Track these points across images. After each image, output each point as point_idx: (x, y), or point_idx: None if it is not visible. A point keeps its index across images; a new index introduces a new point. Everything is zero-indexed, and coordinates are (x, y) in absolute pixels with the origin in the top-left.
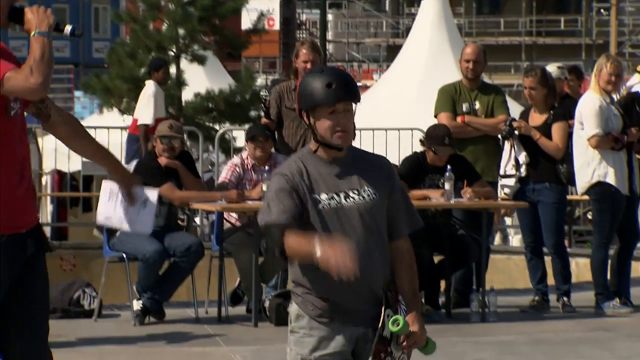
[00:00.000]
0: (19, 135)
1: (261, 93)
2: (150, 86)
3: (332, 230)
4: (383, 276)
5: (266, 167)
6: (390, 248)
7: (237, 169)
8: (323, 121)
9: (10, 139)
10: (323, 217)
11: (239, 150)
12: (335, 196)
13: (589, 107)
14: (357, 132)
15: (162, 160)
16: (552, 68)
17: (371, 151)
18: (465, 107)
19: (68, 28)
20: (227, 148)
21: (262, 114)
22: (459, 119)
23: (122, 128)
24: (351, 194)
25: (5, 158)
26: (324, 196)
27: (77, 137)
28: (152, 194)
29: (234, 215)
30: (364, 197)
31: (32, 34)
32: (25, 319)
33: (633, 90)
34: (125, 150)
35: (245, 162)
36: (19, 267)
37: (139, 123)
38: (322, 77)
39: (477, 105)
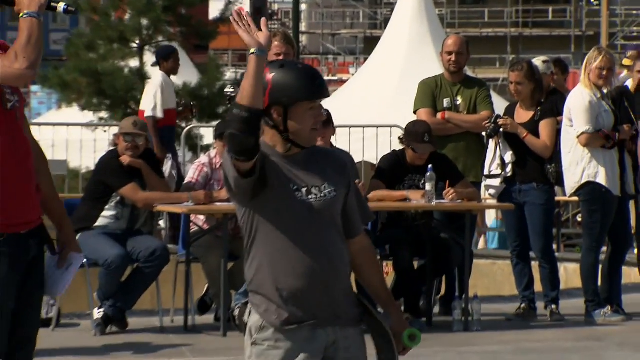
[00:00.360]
0: (19, 130)
1: (225, 89)
2: (157, 76)
3: (298, 224)
4: (347, 274)
5: None
6: (350, 246)
7: (205, 169)
8: (302, 118)
9: (8, 133)
10: (289, 208)
11: (206, 149)
12: (297, 191)
13: (579, 102)
14: (335, 128)
15: (125, 159)
16: (537, 62)
17: (347, 150)
18: (446, 102)
19: (61, 5)
20: (194, 146)
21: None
22: (439, 116)
23: (82, 125)
24: (313, 190)
25: (4, 153)
26: (291, 185)
27: (37, 172)
28: (78, 259)
29: (202, 217)
30: (325, 195)
31: (21, 15)
32: (18, 326)
33: (625, 84)
34: None
35: (214, 161)
36: (22, 269)
37: (146, 115)
38: (303, 71)
39: (459, 101)
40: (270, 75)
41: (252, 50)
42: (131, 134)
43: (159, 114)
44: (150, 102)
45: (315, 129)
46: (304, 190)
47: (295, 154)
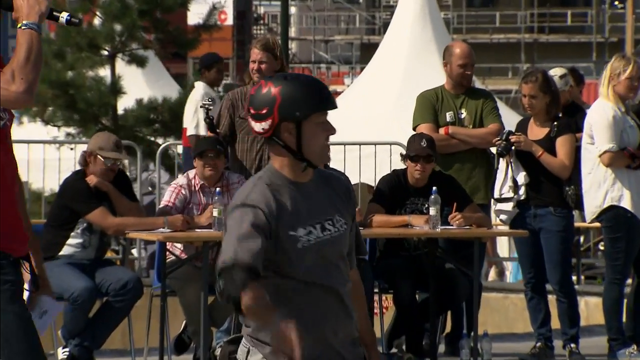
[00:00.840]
0: (8, 150)
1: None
2: (199, 89)
3: (313, 272)
4: (353, 312)
5: (217, 189)
6: None
7: (183, 191)
8: (315, 132)
9: None
10: (302, 258)
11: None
12: (312, 230)
13: (601, 117)
14: None
15: (92, 180)
16: (553, 77)
17: (342, 170)
18: (449, 116)
19: (64, 15)
20: (171, 166)
21: (207, 126)
22: (441, 131)
23: (45, 142)
24: (327, 225)
25: None
26: (301, 231)
27: None
28: (54, 307)
29: (179, 245)
30: (338, 229)
31: (19, 25)
32: None
33: None
34: (183, 167)
35: (193, 182)
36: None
37: (188, 134)
38: (308, 80)
39: (464, 114)
40: (276, 89)
41: None
42: (113, 158)
43: (203, 132)
44: (192, 119)
45: (328, 144)
46: (318, 227)
47: (307, 182)
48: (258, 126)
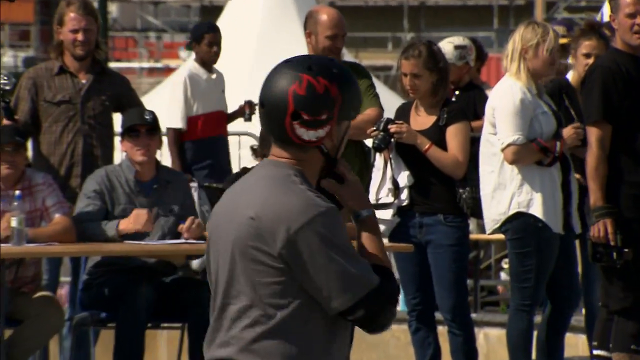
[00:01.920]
0: None
1: None
2: (183, 70)
3: None
4: None
5: (17, 192)
6: None
7: None
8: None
9: None
10: None
11: None
12: None
13: (506, 101)
14: (162, 138)
15: None
16: (446, 47)
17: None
18: None
19: None
20: None
21: (2, 112)
22: None
23: None
24: None
25: None
26: None
27: None
28: None
29: None
30: None
31: None
32: None
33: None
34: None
35: None
36: None
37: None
38: (343, 66)
39: None
40: (334, 86)
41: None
42: None
43: (179, 124)
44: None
45: None
46: None
47: None
48: (311, 134)
